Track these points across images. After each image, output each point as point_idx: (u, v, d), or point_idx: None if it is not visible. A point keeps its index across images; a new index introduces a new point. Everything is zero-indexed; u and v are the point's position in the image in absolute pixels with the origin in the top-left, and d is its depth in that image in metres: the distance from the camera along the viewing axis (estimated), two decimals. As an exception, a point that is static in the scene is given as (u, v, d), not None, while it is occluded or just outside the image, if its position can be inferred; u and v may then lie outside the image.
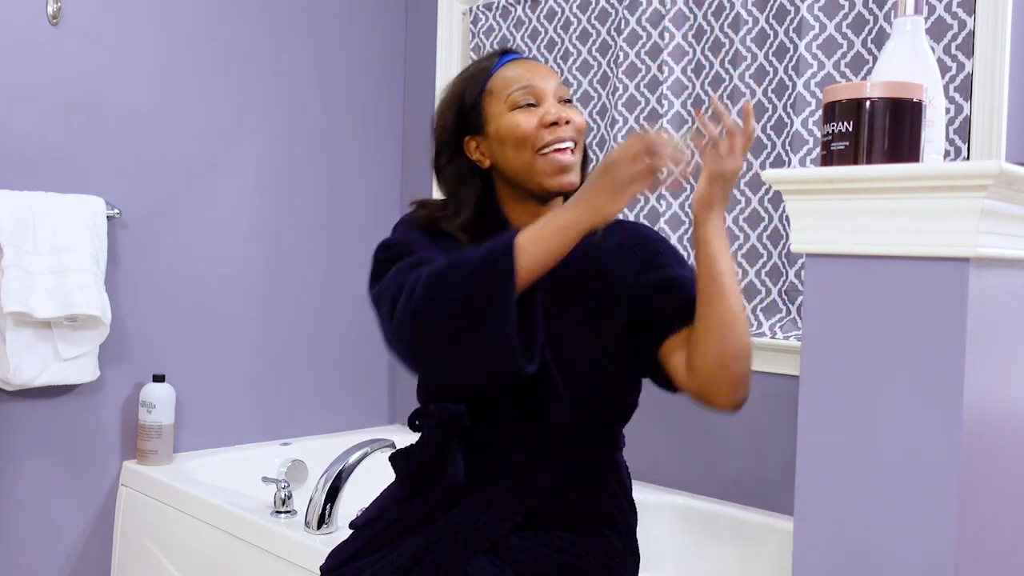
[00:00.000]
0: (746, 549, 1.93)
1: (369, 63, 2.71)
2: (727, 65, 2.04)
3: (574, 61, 2.34)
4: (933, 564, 0.83)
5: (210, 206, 2.40)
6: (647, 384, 1.35)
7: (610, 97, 2.26)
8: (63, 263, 2.05)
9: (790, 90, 1.92)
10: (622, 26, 2.22)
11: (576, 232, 1.15)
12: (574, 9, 2.34)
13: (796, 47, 1.90)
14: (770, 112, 1.97)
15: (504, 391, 1.25)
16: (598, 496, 1.30)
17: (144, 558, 2.17)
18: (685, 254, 1.68)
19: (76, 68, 2.16)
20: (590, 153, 1.88)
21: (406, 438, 1.37)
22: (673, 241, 2.04)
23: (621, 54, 2.21)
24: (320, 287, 2.63)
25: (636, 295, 1.31)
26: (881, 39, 1.82)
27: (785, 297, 1.96)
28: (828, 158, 0.92)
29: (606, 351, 1.30)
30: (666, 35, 2.14)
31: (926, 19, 1.71)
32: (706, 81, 2.09)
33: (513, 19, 2.49)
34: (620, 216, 1.38)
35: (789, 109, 1.92)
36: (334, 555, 1.32)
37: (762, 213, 2.00)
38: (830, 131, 0.92)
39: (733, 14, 2.02)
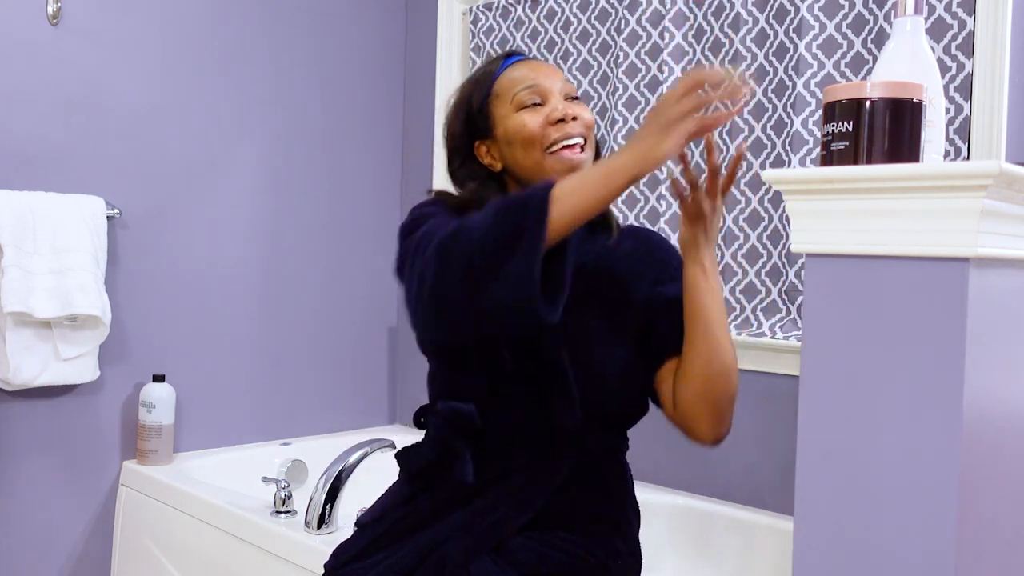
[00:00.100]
0: (746, 549, 1.93)
1: (369, 63, 2.71)
2: (727, 65, 2.04)
3: (574, 61, 2.34)
4: (933, 564, 0.83)
5: (210, 206, 2.40)
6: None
7: (610, 97, 2.26)
8: (63, 263, 2.05)
9: (790, 90, 1.92)
10: (622, 26, 2.22)
11: (622, 178, 1.09)
12: (574, 9, 2.34)
13: (796, 47, 1.90)
14: (770, 112, 1.97)
15: (514, 392, 1.24)
16: (602, 497, 1.30)
17: (144, 558, 2.17)
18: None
19: (76, 68, 2.16)
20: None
21: (406, 438, 1.37)
22: (673, 241, 2.04)
23: (621, 54, 2.21)
24: (320, 287, 2.63)
25: (648, 307, 1.31)
26: (881, 39, 1.82)
27: (785, 297, 1.96)
28: (828, 158, 0.92)
29: (622, 357, 1.29)
30: (666, 35, 2.14)
31: (926, 19, 1.71)
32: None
33: (513, 19, 2.49)
34: (613, 214, 1.39)
35: (789, 109, 1.93)
36: (338, 554, 1.31)
37: (762, 213, 2.00)
38: (830, 131, 0.92)
39: (733, 14, 2.02)
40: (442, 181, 2.62)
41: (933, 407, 0.83)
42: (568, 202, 1.09)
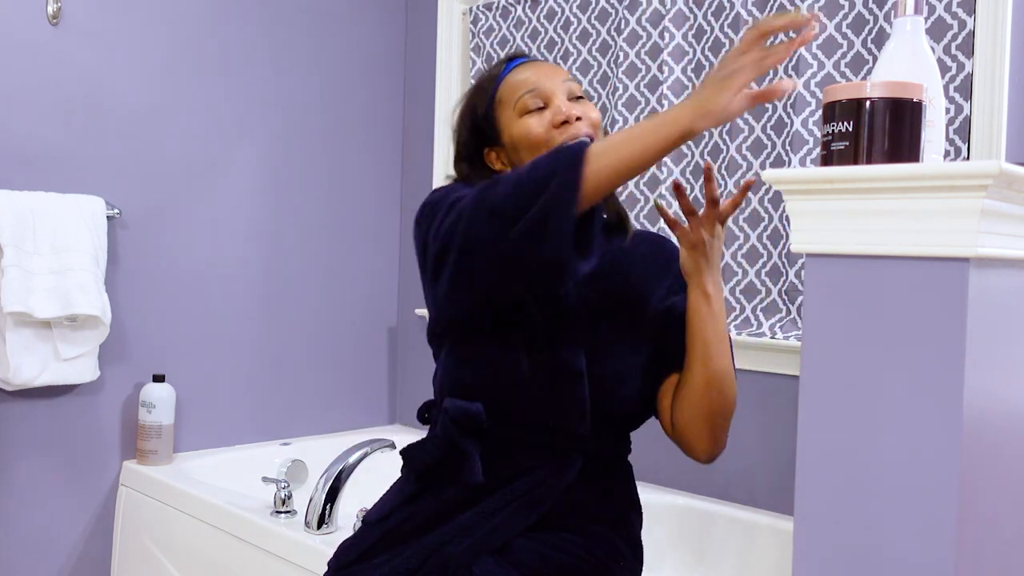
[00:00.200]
0: (746, 549, 1.93)
1: (369, 63, 2.71)
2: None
3: (574, 61, 2.34)
4: (933, 564, 0.83)
5: (210, 206, 2.40)
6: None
7: (610, 97, 2.26)
8: (63, 263, 2.05)
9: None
10: (622, 26, 2.22)
11: (674, 130, 1.05)
12: (574, 9, 2.34)
13: (796, 47, 1.90)
14: (770, 112, 1.97)
15: (525, 393, 1.23)
16: (605, 498, 1.30)
17: (144, 558, 2.17)
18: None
19: (76, 68, 2.16)
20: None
21: (406, 438, 1.36)
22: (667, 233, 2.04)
23: (621, 54, 2.21)
24: (320, 287, 2.63)
25: (662, 317, 1.31)
26: (881, 39, 1.82)
27: (785, 297, 1.96)
28: (828, 158, 0.92)
29: (637, 364, 1.29)
30: (666, 35, 2.14)
31: (926, 19, 1.71)
32: (706, 81, 2.09)
33: (513, 19, 2.49)
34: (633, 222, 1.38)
35: (789, 109, 1.93)
36: (341, 553, 1.30)
37: (762, 213, 2.00)
38: (830, 131, 0.92)
39: (733, 14, 2.02)
40: (442, 181, 2.63)
41: (933, 407, 0.83)
42: (614, 155, 1.06)
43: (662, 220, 1.28)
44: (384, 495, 1.35)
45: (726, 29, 2.04)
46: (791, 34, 1.05)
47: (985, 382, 0.86)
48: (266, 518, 1.88)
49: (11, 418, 2.10)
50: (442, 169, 2.63)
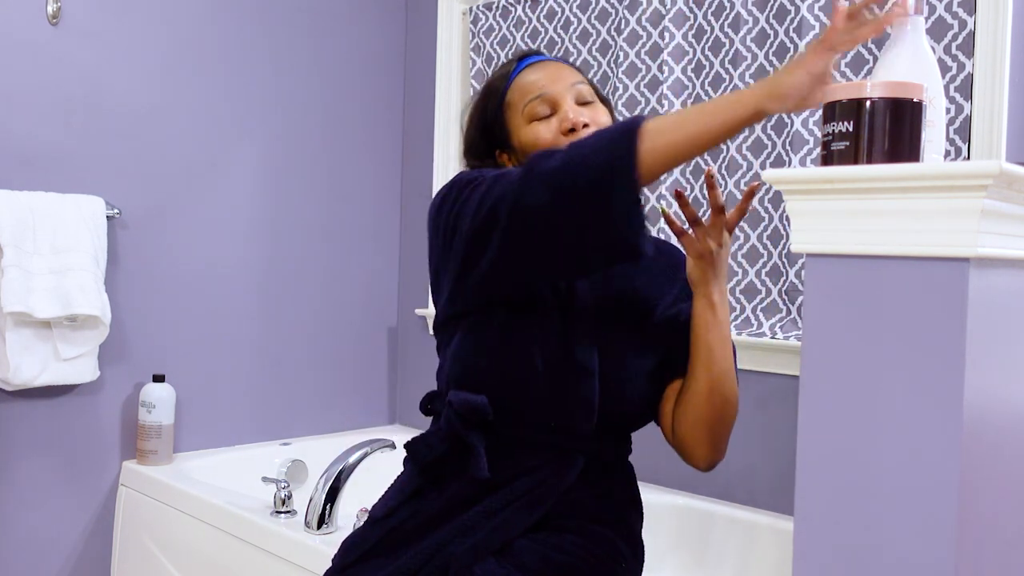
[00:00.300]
0: (746, 549, 1.93)
1: (369, 63, 2.71)
2: (727, 65, 2.04)
3: (574, 61, 2.34)
4: (933, 564, 0.83)
5: (210, 206, 2.40)
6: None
7: (610, 97, 2.26)
8: (63, 263, 2.05)
9: (790, 90, 1.92)
10: (622, 26, 2.22)
11: (744, 111, 1.02)
12: (574, 9, 2.34)
13: (796, 47, 1.90)
14: (770, 112, 1.97)
15: (533, 391, 1.22)
16: (607, 498, 1.30)
17: (144, 558, 2.17)
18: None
19: (76, 68, 2.16)
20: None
21: (406, 438, 1.36)
22: (673, 240, 2.04)
23: (621, 54, 2.21)
24: (320, 287, 2.63)
25: (669, 323, 1.31)
26: (881, 39, 1.82)
27: (785, 297, 1.96)
28: (828, 158, 0.92)
29: (646, 368, 1.29)
30: (666, 35, 2.14)
31: (926, 19, 1.71)
32: (706, 81, 2.09)
33: (513, 19, 2.49)
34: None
35: (789, 109, 1.92)
36: (343, 553, 1.29)
37: (762, 213, 2.00)
38: (830, 131, 0.92)
39: (733, 14, 2.02)
40: (442, 182, 2.63)
41: (933, 407, 0.83)
42: (673, 134, 1.04)
43: (668, 227, 1.27)
44: (387, 490, 1.33)
45: (726, 29, 2.04)
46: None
47: (985, 382, 0.86)
48: (266, 518, 1.88)
49: (11, 418, 2.10)
50: (442, 169, 2.63)
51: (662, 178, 2.13)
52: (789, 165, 1.91)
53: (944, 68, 1.70)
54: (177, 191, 2.34)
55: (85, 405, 2.21)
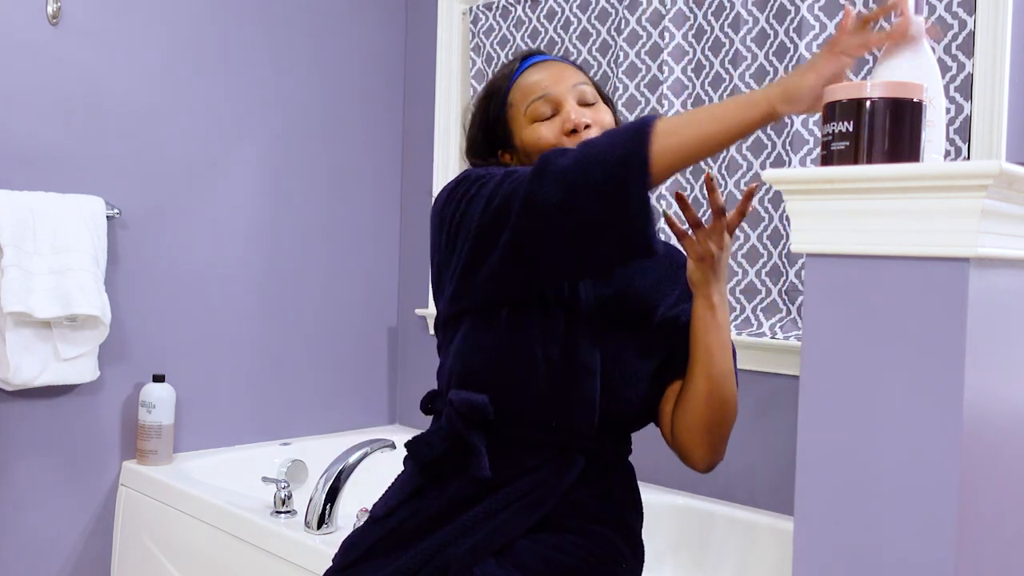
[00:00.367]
0: (746, 549, 1.93)
1: (369, 63, 2.71)
2: (727, 65, 2.04)
3: (574, 61, 2.33)
4: (933, 564, 0.83)
5: (210, 206, 2.40)
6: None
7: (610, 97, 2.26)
8: (63, 263, 2.05)
9: (790, 90, 1.92)
10: (622, 26, 2.22)
11: (757, 112, 1.02)
12: (574, 9, 2.34)
13: (796, 47, 1.90)
14: (770, 112, 1.97)
15: (535, 391, 1.22)
16: (607, 499, 1.30)
17: (144, 558, 2.17)
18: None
19: (76, 68, 2.16)
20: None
21: (406, 438, 1.36)
22: (673, 241, 2.04)
23: (621, 54, 2.21)
24: (320, 287, 2.63)
25: (670, 325, 1.31)
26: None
27: (785, 297, 1.96)
28: (828, 158, 0.92)
29: (648, 370, 1.29)
30: (666, 35, 2.14)
31: (926, 19, 1.71)
32: (706, 81, 2.09)
33: (513, 19, 2.49)
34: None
35: (789, 109, 1.92)
36: (343, 553, 1.29)
37: (762, 213, 2.00)
38: (830, 131, 0.92)
39: (733, 14, 2.02)
40: (442, 182, 2.63)
41: (933, 407, 0.83)
42: (685, 134, 1.03)
43: (669, 229, 1.26)
44: (388, 489, 1.33)
45: (726, 29, 2.04)
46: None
47: (985, 382, 0.86)
48: (266, 518, 1.88)
49: (11, 418, 2.10)
50: (442, 169, 2.63)
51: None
52: (789, 165, 1.91)
53: (944, 68, 1.70)
54: (177, 191, 2.34)
55: (85, 405, 2.21)
